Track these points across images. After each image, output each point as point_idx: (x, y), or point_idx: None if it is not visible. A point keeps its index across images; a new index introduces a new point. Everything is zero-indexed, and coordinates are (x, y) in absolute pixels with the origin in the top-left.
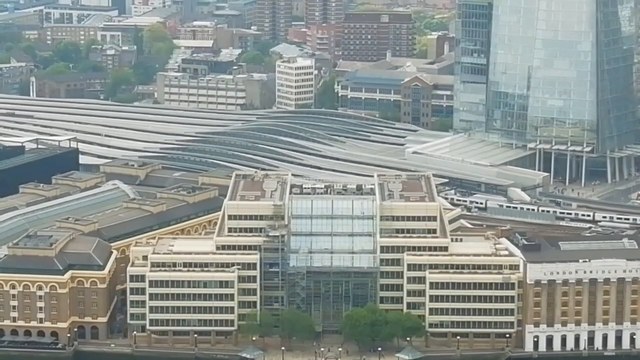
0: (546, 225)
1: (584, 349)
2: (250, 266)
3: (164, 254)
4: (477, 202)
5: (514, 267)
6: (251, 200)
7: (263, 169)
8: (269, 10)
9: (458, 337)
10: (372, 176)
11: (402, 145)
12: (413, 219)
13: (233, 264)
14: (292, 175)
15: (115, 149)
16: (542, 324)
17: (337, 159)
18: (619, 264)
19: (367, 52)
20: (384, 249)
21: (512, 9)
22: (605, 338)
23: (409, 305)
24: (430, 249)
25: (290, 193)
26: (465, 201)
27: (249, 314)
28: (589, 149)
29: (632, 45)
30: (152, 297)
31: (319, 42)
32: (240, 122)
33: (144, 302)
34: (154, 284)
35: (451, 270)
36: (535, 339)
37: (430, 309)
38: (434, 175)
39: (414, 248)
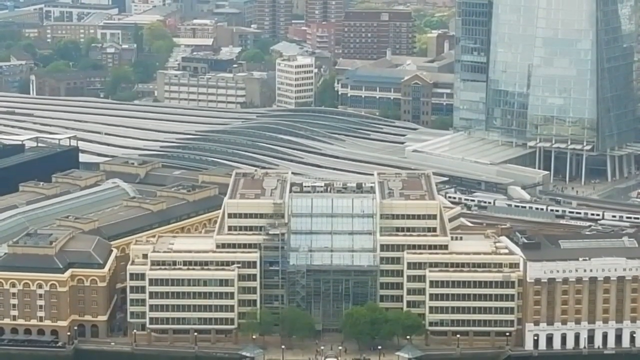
0: (546, 223)
1: (584, 347)
2: (250, 264)
3: (164, 252)
4: (484, 202)
5: (514, 266)
6: (251, 199)
7: (263, 167)
8: (269, 8)
9: (458, 336)
10: (372, 174)
11: (402, 143)
12: (413, 217)
13: (233, 262)
14: (292, 173)
15: (116, 147)
16: (542, 322)
17: (337, 157)
18: (619, 262)
19: (367, 50)
20: (384, 247)
21: (512, 7)
22: (605, 336)
23: (409, 303)
24: (430, 247)
25: (290, 191)
26: (473, 200)
27: (249, 313)
28: (589, 147)
29: (632, 44)
30: (152, 295)
31: (319, 40)
32: (240, 121)
33: (144, 300)
34: (154, 282)
35: (451, 269)
36: (535, 338)
37: (430, 308)
38: (434, 173)
39: (414, 246)
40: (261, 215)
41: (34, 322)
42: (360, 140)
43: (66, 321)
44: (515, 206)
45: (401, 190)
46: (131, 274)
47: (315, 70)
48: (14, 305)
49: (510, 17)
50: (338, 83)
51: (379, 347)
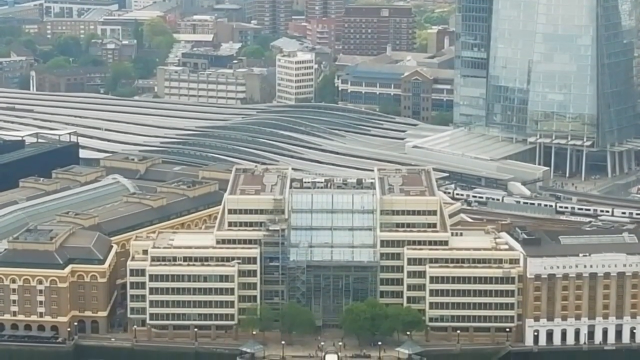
0: (546, 219)
1: (584, 343)
2: (251, 260)
3: (164, 248)
4: (493, 198)
5: (514, 261)
6: (251, 195)
7: (263, 163)
8: (269, 4)
9: (458, 332)
10: (373, 170)
11: (402, 139)
12: (413, 213)
13: (233, 258)
14: (293, 169)
15: (116, 143)
16: (542, 318)
17: (338, 153)
18: (619, 258)
19: (367, 46)
20: (384, 243)
21: (512, 3)
22: (605, 332)
23: (409, 299)
24: (430, 243)
25: (291, 187)
26: (482, 197)
27: (249, 308)
28: (589, 143)
29: (633, 39)
30: (152, 291)
31: (319, 36)
32: (240, 116)
33: (144, 296)
34: (154, 278)
35: (451, 265)
36: (536, 333)
37: (431, 303)
38: (434, 169)
39: (414, 242)
40: (261, 211)
41: (34, 318)
42: (360, 136)
43: (66, 317)
44: (525, 203)
45: (401, 186)
46: (131, 270)
47: (316, 66)
48: (14, 301)
49: (510, 12)
50: (338, 79)
51: (379, 343)
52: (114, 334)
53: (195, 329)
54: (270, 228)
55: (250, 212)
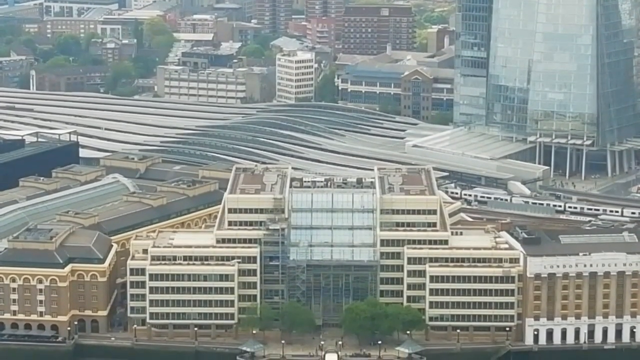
0: (546, 218)
1: (584, 342)
2: (251, 259)
3: (164, 247)
4: (500, 198)
5: (514, 261)
6: (251, 194)
7: (263, 163)
8: (269, 3)
9: (458, 331)
10: (373, 169)
11: (402, 138)
12: (413, 212)
13: (233, 258)
14: (292, 168)
15: (116, 143)
16: (542, 317)
17: (337, 152)
18: (619, 257)
19: (367, 46)
20: (384, 242)
21: (512, 2)
22: (605, 331)
23: (409, 298)
24: (430, 242)
25: (291, 186)
26: (490, 197)
27: (249, 308)
28: (589, 142)
29: (633, 39)
30: (152, 290)
31: (319, 36)
32: (240, 116)
33: (144, 295)
34: (154, 277)
35: (451, 264)
36: (536, 333)
37: (431, 303)
38: (434, 168)
39: (414, 241)
40: (261, 211)
41: (34, 317)
42: (360, 136)
43: (66, 316)
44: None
45: (401, 185)
46: (131, 269)
47: (316, 65)
48: (14, 300)
49: (510, 12)
50: (338, 78)
51: (379, 342)
52: (114, 333)
53: (195, 328)
54: (270, 227)
55: (250, 211)
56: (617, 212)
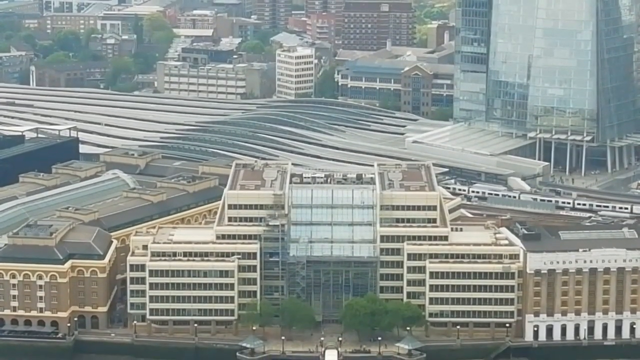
0: (546, 214)
1: (584, 338)
2: (250, 255)
3: (164, 243)
4: (509, 196)
5: (514, 257)
6: (251, 190)
7: (263, 158)
8: None
9: (458, 327)
10: (372, 165)
11: (402, 134)
12: (413, 208)
13: (233, 254)
14: (292, 164)
15: (116, 138)
16: (542, 313)
17: (337, 148)
18: (619, 253)
19: (367, 41)
20: (384, 238)
21: None
22: (605, 328)
23: (409, 294)
24: (430, 238)
25: (291, 182)
26: (497, 195)
27: (249, 304)
28: (589, 138)
29: (632, 34)
30: (152, 286)
31: (319, 31)
32: (240, 112)
33: (144, 291)
34: (154, 273)
35: (451, 260)
36: (535, 329)
37: (430, 299)
38: (434, 164)
39: (414, 237)
40: (261, 207)
41: (34, 313)
42: (360, 131)
43: (66, 312)
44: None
45: (401, 181)
46: (131, 265)
47: (315, 61)
48: (14, 297)
49: (510, 7)
50: (338, 74)
51: (379, 338)
52: (114, 329)
53: (195, 325)
54: (270, 223)
55: (250, 207)
56: (627, 208)
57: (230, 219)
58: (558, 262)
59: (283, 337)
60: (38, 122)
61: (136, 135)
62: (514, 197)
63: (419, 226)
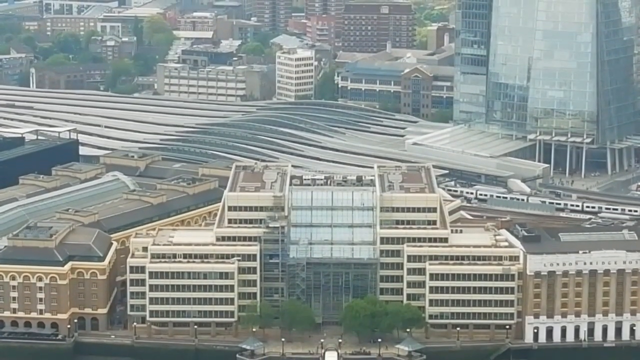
0: (546, 216)
1: (584, 340)
2: (250, 257)
3: (164, 245)
4: (517, 199)
5: (514, 259)
6: (251, 192)
7: (263, 160)
8: (269, 1)
9: (458, 329)
10: (372, 167)
11: (402, 136)
12: (413, 210)
13: (233, 255)
14: (292, 166)
15: (115, 140)
16: (542, 315)
17: (337, 150)
18: (619, 255)
19: (367, 43)
20: (384, 240)
21: (512, 0)
22: (605, 329)
23: (409, 296)
24: (430, 240)
25: (290, 184)
26: (506, 197)
27: (249, 306)
28: (589, 140)
29: (632, 37)
30: (152, 288)
31: (319, 33)
32: (240, 114)
33: (144, 293)
34: (154, 275)
35: (451, 262)
36: (535, 330)
37: (430, 301)
38: (434, 166)
39: (414, 239)
40: (261, 208)
41: (34, 315)
42: (360, 133)
43: (66, 314)
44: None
45: (401, 183)
46: (131, 267)
47: (315, 63)
48: (14, 298)
49: (510, 9)
50: (338, 76)
51: (379, 340)
52: (113, 331)
53: (195, 326)
54: (270, 225)
55: (250, 209)
56: (635, 211)
57: (230, 221)
58: (558, 264)
59: (283, 339)
60: (38, 124)
61: (136, 137)
62: (523, 199)
63: (419, 228)
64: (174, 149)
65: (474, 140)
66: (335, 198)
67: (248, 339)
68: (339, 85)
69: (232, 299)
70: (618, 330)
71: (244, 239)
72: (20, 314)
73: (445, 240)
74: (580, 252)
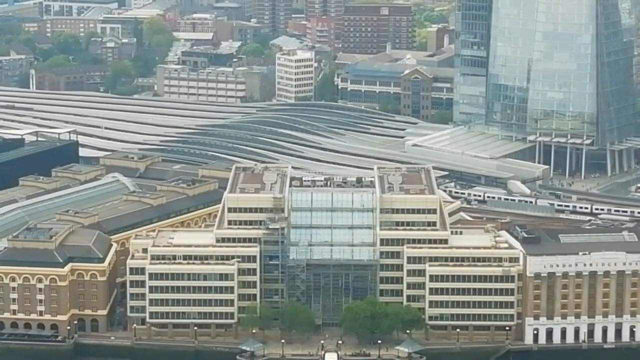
0: (546, 217)
1: (584, 341)
2: (250, 259)
3: (164, 246)
4: (525, 201)
5: (513, 260)
6: (251, 193)
7: (263, 162)
8: (269, 2)
9: (458, 330)
10: (372, 169)
11: (402, 137)
12: (413, 211)
13: (233, 257)
14: (292, 167)
15: (115, 142)
16: (542, 316)
17: (337, 151)
18: (619, 256)
19: (367, 45)
20: (384, 241)
21: (512, 2)
22: (605, 331)
23: (408, 298)
24: (430, 241)
25: (290, 186)
26: (513, 199)
27: (248, 307)
28: (588, 141)
29: (632, 38)
30: (152, 289)
31: (319, 35)
32: (240, 115)
33: (143, 294)
34: (153, 276)
35: (451, 263)
36: (535, 332)
37: (430, 302)
38: (434, 167)
39: (413, 241)
40: (261, 210)
41: (33, 316)
42: (360, 135)
43: (66, 315)
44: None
45: (401, 184)
46: (131, 268)
47: (315, 64)
48: (13, 300)
49: (510, 11)
50: (338, 77)
51: (379, 342)
52: (113, 332)
53: (195, 328)
54: (270, 226)
55: (250, 210)
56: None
57: (230, 222)
58: (558, 265)
59: (283, 340)
60: (38, 125)
61: (136, 138)
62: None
63: (418, 229)
64: (174, 151)
65: (474, 141)
66: (335, 199)
67: (248, 341)
68: (339, 87)
69: (232, 301)
70: (618, 332)
71: (244, 240)
72: (20, 316)
73: (445, 241)
74: (580, 253)
